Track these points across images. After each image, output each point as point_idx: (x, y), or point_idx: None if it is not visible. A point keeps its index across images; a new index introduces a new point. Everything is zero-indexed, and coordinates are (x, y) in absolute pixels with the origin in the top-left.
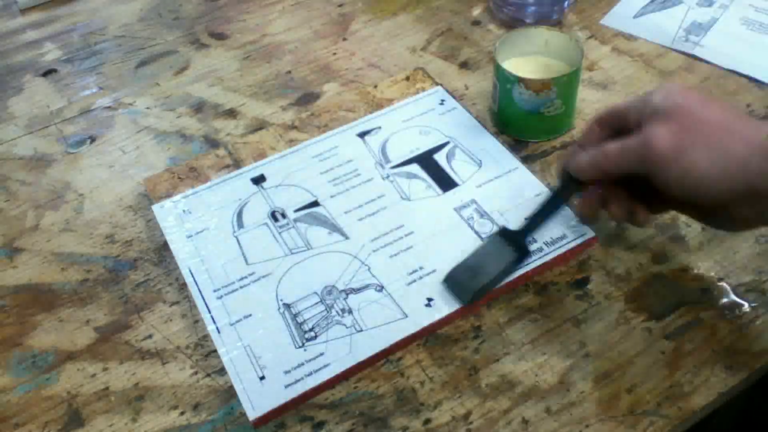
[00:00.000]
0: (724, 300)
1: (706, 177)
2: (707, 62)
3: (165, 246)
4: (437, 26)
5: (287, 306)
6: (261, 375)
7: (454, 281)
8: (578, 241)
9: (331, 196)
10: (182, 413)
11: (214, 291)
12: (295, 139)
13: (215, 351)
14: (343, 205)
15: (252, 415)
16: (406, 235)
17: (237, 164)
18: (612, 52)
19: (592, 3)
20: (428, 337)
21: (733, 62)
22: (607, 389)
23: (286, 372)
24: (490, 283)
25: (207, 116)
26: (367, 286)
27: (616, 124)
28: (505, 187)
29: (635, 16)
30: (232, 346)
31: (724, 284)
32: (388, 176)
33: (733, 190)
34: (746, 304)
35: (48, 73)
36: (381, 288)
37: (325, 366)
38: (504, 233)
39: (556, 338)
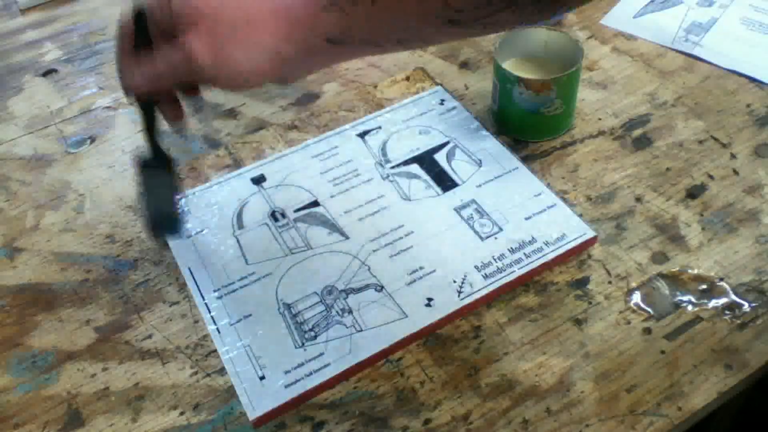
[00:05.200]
0: (724, 300)
1: (250, 74)
2: (707, 62)
3: (165, 246)
4: None
5: (287, 306)
6: (261, 375)
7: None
8: (578, 241)
9: (331, 196)
10: (182, 413)
11: (214, 291)
12: (295, 139)
13: (215, 351)
14: (343, 205)
15: (252, 415)
16: (406, 235)
17: (237, 164)
18: (612, 52)
19: (592, 3)
20: (428, 337)
21: (733, 62)
22: (607, 389)
23: (286, 372)
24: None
25: (207, 116)
26: (367, 286)
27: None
28: (505, 187)
29: (635, 16)
30: (232, 346)
31: (724, 284)
32: (388, 176)
33: (274, 76)
34: (746, 304)
35: (48, 73)
36: (381, 288)
37: (325, 366)
38: (146, 163)
39: (556, 338)
